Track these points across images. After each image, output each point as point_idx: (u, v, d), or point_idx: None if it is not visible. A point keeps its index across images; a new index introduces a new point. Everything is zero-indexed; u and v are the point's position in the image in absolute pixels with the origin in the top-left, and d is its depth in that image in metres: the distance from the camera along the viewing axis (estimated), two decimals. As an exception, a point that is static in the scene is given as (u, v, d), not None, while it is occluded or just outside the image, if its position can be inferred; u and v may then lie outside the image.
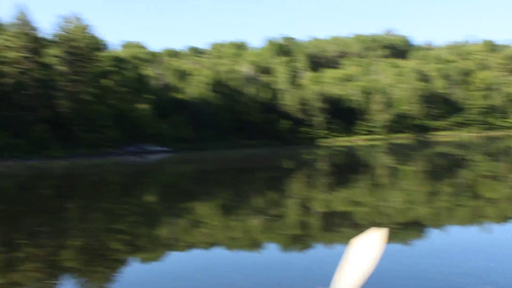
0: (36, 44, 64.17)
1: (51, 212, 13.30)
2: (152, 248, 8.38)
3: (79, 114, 64.69)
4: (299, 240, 8.63)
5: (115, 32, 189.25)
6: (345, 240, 8.24)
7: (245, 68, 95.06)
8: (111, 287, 6.20)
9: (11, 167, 41.08)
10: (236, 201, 14.33)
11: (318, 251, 7.78)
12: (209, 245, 8.46)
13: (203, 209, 13.01)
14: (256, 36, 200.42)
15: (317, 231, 9.42)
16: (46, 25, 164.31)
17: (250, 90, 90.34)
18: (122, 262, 7.47)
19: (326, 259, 6.98)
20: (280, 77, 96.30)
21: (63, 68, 66.95)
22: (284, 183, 19.76)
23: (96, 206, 14.16)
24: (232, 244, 8.55)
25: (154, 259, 7.75)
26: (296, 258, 7.35)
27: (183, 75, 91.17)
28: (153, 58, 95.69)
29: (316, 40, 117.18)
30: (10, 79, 61.47)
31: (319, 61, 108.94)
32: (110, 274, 6.75)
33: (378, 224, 3.69)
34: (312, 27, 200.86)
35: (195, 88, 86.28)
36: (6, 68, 61.85)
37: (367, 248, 2.47)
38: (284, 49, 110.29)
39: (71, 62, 67.03)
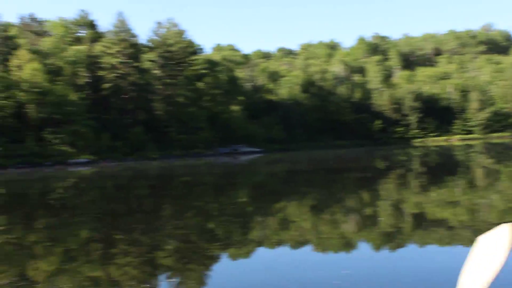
0: (133, 49, 66.64)
1: (146, 211, 13.85)
2: (244, 246, 8.48)
3: (173, 116, 66.67)
4: (391, 241, 8.53)
5: (208, 35, 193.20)
6: (439, 242, 8.20)
7: (336, 68, 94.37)
8: (204, 285, 6.44)
9: (110, 168, 42.98)
10: (326, 201, 14.26)
11: (410, 252, 7.64)
12: (299, 244, 8.45)
13: (294, 209, 13.09)
14: (347, 35, 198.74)
15: (409, 232, 9.26)
16: (141, 31, 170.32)
17: (342, 90, 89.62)
18: (214, 260, 7.67)
19: (419, 261, 6.91)
20: (372, 76, 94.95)
21: (158, 72, 69.24)
22: (377, 183, 19.47)
23: (189, 205, 14.52)
24: (321, 243, 8.56)
25: (246, 257, 7.85)
26: (387, 259, 7.27)
27: (274, 76, 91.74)
28: (244, 60, 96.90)
29: (409, 37, 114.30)
30: (109, 83, 64.30)
31: (412, 59, 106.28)
32: (203, 272, 6.98)
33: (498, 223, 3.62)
34: (405, 24, 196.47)
35: (286, 89, 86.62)
36: (105, 74, 64.80)
37: (495, 245, 2.44)
38: (376, 47, 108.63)
39: (166, 66, 69.18)
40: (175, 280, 6.57)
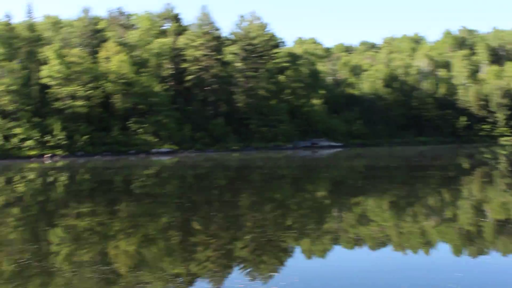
0: (216, 42, 67.46)
1: (225, 201, 14.00)
2: (319, 240, 8.42)
3: (254, 109, 67.06)
4: (471, 244, 8.21)
5: (290, 28, 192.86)
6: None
7: (420, 63, 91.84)
8: (279, 277, 6.38)
9: (191, 158, 43.72)
10: (406, 199, 13.86)
11: (492, 258, 7.33)
12: (376, 241, 8.33)
13: (372, 205, 12.82)
14: (432, 29, 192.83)
15: (492, 237, 8.85)
16: (224, 24, 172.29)
17: (425, 85, 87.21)
18: (289, 253, 7.61)
19: (501, 267, 6.63)
20: (458, 71, 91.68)
21: (240, 65, 69.79)
22: (461, 182, 18.82)
23: (268, 198, 14.58)
24: (399, 242, 8.34)
25: (321, 251, 7.79)
26: (466, 264, 7.01)
27: (355, 70, 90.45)
28: (326, 53, 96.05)
29: (498, 31, 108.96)
30: (192, 75, 65.43)
31: (501, 54, 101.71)
32: (278, 264, 6.95)
33: None
34: (494, 17, 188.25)
35: (367, 84, 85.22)
36: (188, 66, 65.99)
37: None
38: (462, 41, 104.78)
39: (248, 59, 69.60)
40: (250, 270, 6.59)
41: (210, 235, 8.84)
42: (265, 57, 70.87)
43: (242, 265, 6.89)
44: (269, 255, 7.39)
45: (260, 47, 70.40)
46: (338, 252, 7.75)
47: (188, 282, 6.09)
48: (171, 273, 6.51)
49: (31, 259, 7.13)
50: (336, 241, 8.49)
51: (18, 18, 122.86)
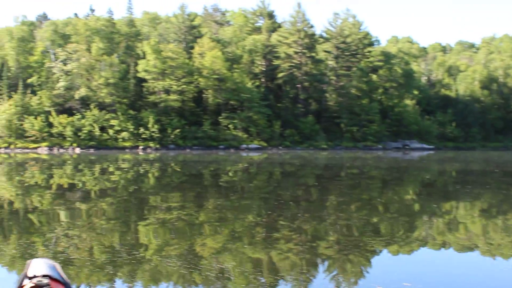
0: (309, 40, 67.27)
1: (311, 200, 13.91)
2: (406, 244, 8.17)
3: (345, 107, 66.37)
4: None
5: (384, 27, 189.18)
6: None
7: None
8: (361, 278, 6.25)
9: (279, 155, 43.84)
10: (501, 206, 13.29)
11: None
12: (464, 249, 8.01)
13: (464, 211, 12.32)
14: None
15: None
16: (317, 22, 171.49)
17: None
18: (374, 255, 7.46)
19: None
20: None
21: (332, 63, 69.22)
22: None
23: (355, 198, 14.36)
24: (488, 251, 7.97)
25: (407, 256, 7.55)
26: None
27: (451, 71, 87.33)
28: (421, 53, 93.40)
29: None
30: (283, 72, 65.55)
31: None
32: (362, 265, 6.84)
33: None
34: None
35: (463, 85, 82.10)
36: (280, 63, 66.16)
37: None
38: None
39: (341, 57, 68.92)
40: (334, 270, 6.52)
41: (295, 232, 8.80)
42: (358, 55, 69.95)
43: (326, 265, 6.85)
44: (354, 256, 7.25)
45: (353, 45, 69.55)
46: (425, 258, 7.46)
47: (271, 276, 6.08)
48: (254, 267, 6.55)
49: (121, 248, 7.33)
50: (423, 246, 8.21)
51: (119, 14, 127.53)
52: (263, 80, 67.11)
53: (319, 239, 8.41)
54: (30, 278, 2.27)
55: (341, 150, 59.25)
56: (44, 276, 2.27)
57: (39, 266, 2.41)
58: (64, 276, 2.40)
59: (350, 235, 8.67)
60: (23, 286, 2.26)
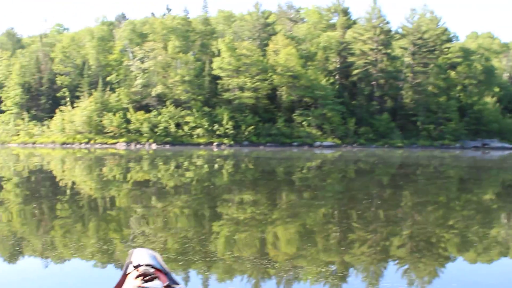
0: (385, 36, 66.09)
1: (386, 199, 13.62)
2: (483, 249, 7.84)
3: (421, 105, 64.82)
4: None
5: (463, 22, 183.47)
6: None
7: None
8: (436, 277, 6.04)
9: (353, 153, 43.29)
10: None
11: None
12: None
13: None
14: None
15: None
16: (393, 18, 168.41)
17: None
18: (447, 258, 7.21)
19: None
20: None
21: (409, 60, 67.69)
22: None
23: (430, 198, 13.99)
24: None
25: (484, 259, 7.26)
26: None
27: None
28: (503, 49, 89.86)
29: None
30: (358, 69, 64.70)
31: None
32: (434, 268, 6.59)
33: None
34: None
35: (549, 82, 78.53)
36: (355, 60, 65.34)
37: None
38: None
39: (418, 54, 67.29)
40: (406, 269, 6.36)
41: (367, 231, 8.69)
42: (436, 52, 68.01)
43: (397, 263, 6.69)
44: (427, 257, 7.05)
45: (431, 42, 67.71)
46: (503, 262, 7.08)
47: (341, 272, 6.02)
48: (325, 262, 6.51)
49: (193, 242, 7.36)
50: (501, 249, 7.82)
51: (195, 13, 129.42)
52: (337, 77, 66.50)
53: (392, 237, 8.28)
54: (135, 267, 2.32)
55: (417, 148, 57.90)
56: (147, 265, 2.32)
57: (142, 256, 2.48)
58: (165, 266, 2.45)
59: (425, 237, 8.41)
60: (128, 274, 2.33)
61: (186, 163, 28.20)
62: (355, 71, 65.16)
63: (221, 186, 16.43)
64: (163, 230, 8.52)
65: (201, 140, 57.26)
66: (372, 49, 65.29)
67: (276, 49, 61.63)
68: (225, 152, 42.27)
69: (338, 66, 66.96)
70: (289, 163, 29.88)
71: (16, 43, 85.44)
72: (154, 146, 55.67)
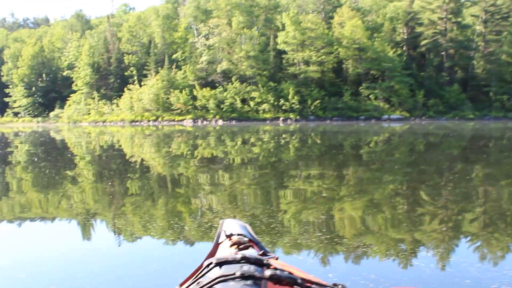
0: (454, 4, 63.82)
1: (456, 172, 13.15)
2: None
3: (494, 75, 62.45)
4: None
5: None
6: None
7: None
8: (507, 255, 5.70)
9: (422, 126, 42.29)
10: None
11: None
12: None
13: None
14: None
15: None
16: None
17: None
18: None
19: None
20: None
21: (480, 28, 65.19)
22: None
23: (503, 171, 13.47)
24: None
25: None
26: None
27: None
28: None
29: None
30: (426, 40, 62.84)
31: None
32: (507, 244, 6.25)
33: None
34: None
35: None
36: (423, 30, 63.43)
37: None
38: None
39: (491, 22, 64.70)
40: (478, 245, 6.11)
41: (437, 206, 8.38)
42: (510, 18, 65.15)
43: (469, 240, 6.40)
44: (501, 233, 6.71)
45: (504, 8, 64.86)
46: None
47: (411, 249, 5.82)
48: (394, 238, 6.33)
49: (260, 217, 7.33)
50: None
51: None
52: (404, 48, 64.99)
53: (464, 212, 7.97)
54: (227, 236, 2.36)
55: (489, 120, 55.95)
56: (239, 235, 2.35)
57: (233, 226, 2.51)
58: (255, 236, 2.45)
59: (499, 213, 8.00)
60: (219, 243, 2.37)
61: (252, 139, 28.22)
62: (424, 42, 63.40)
63: (288, 161, 16.36)
64: (230, 205, 8.54)
65: (267, 116, 57.31)
66: (441, 18, 63.23)
67: (342, 21, 60.66)
68: (291, 127, 42.12)
69: (406, 37, 65.37)
70: (356, 137, 29.44)
71: (85, 25, 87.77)
72: (220, 122, 56.16)
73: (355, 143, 24.87)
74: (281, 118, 56.43)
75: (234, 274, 1.53)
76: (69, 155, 20.28)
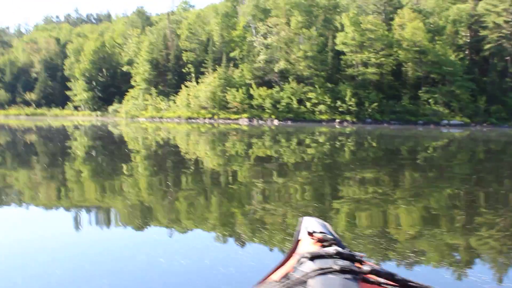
0: (521, 7, 61.67)
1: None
2: None
3: None
4: None
5: None
6: None
7: None
8: None
9: (484, 133, 41.14)
10: None
11: None
12: None
13: None
14: None
15: None
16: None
17: None
18: None
19: None
20: None
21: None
22: None
23: None
24: None
25: None
26: None
27: None
28: None
29: None
30: (490, 44, 60.96)
31: None
32: None
33: None
34: None
35: None
36: (487, 33, 61.54)
37: None
38: None
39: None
40: None
41: (495, 214, 8.14)
42: None
43: None
44: None
45: None
46: None
47: (466, 257, 5.70)
48: (449, 245, 6.19)
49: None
50: None
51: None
52: (467, 52, 63.25)
53: None
54: (309, 233, 2.38)
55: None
56: (320, 232, 2.36)
57: (313, 223, 2.52)
58: (336, 235, 2.42)
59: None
60: (299, 240, 2.39)
61: (308, 140, 28.01)
62: (487, 46, 61.48)
63: (343, 163, 16.20)
64: (283, 205, 8.47)
65: (323, 117, 56.84)
66: (507, 22, 61.17)
67: (402, 23, 59.57)
68: (348, 130, 41.63)
69: (468, 40, 63.62)
70: (414, 142, 28.85)
71: (145, 21, 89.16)
72: (276, 122, 56.04)
73: (412, 148, 24.53)
74: (337, 120, 55.88)
75: (331, 268, 1.53)
76: (126, 150, 20.66)
